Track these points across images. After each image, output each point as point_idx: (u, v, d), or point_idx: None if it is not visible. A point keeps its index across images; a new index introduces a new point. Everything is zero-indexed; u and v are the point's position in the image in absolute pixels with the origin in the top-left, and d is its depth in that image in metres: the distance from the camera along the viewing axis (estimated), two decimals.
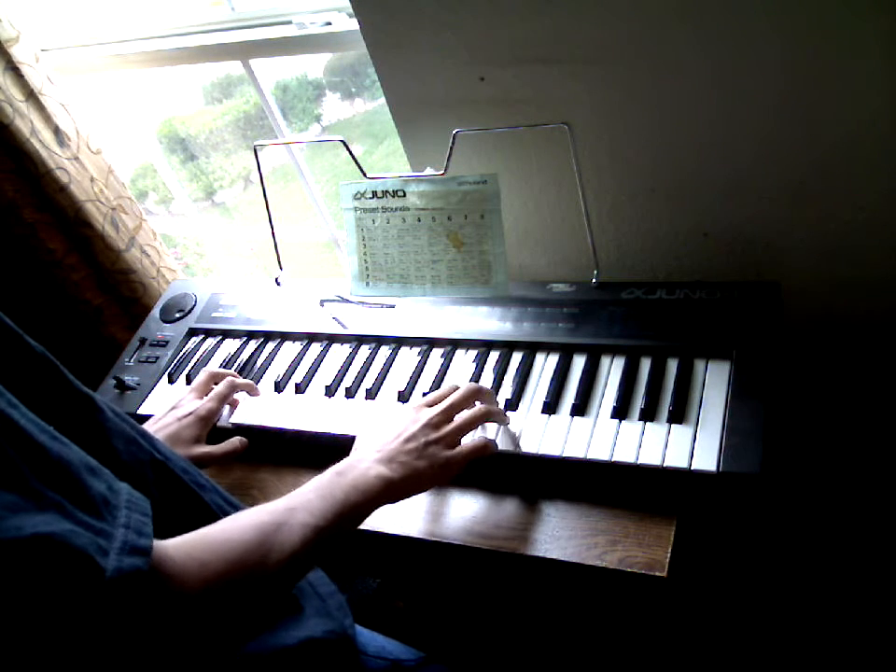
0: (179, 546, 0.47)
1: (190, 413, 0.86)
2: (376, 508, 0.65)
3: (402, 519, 0.80)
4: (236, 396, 0.96)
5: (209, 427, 0.88)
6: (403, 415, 0.74)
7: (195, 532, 0.50)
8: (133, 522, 0.45)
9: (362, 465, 0.66)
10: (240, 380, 0.95)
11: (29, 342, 0.51)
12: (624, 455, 0.75)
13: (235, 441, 0.89)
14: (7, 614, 0.38)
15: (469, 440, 0.75)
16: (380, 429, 0.73)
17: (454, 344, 0.95)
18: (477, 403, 0.78)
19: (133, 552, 0.42)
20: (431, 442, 0.70)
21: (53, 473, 0.42)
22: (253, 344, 1.07)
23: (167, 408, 0.89)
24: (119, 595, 0.41)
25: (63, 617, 0.39)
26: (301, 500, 0.59)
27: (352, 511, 0.61)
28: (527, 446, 0.79)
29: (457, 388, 0.78)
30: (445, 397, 0.76)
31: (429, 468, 0.69)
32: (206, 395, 0.92)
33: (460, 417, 0.74)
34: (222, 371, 0.97)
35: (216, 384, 0.94)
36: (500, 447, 0.79)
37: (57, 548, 0.39)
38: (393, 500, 0.67)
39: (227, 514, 0.63)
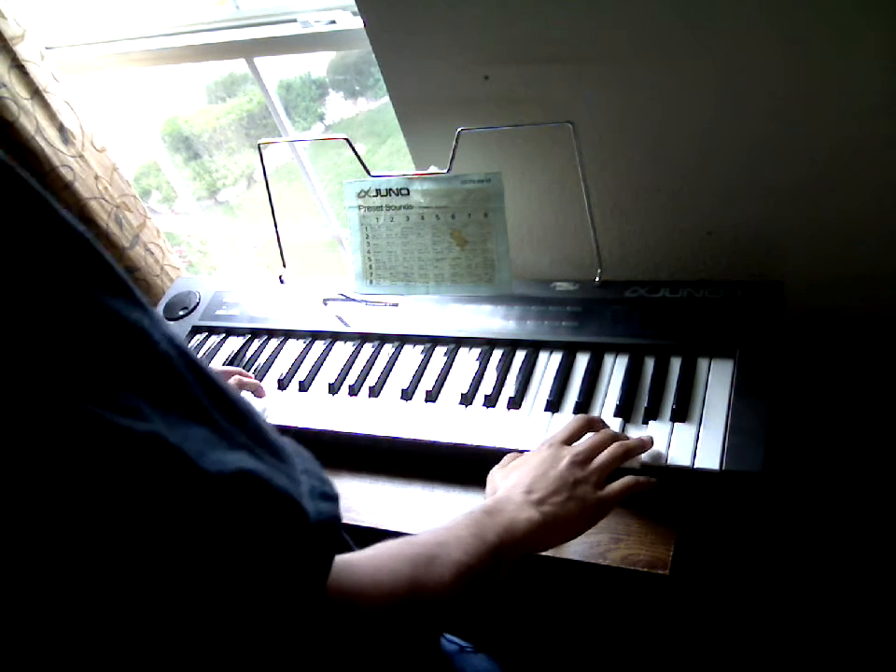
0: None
1: None
2: (524, 553, 0.59)
3: (403, 519, 0.80)
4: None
5: None
6: (542, 453, 0.69)
7: (338, 559, 0.42)
8: (311, 468, 0.41)
9: (511, 506, 0.61)
10: (247, 379, 0.96)
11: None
12: None
13: None
14: (211, 559, 0.32)
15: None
16: (519, 466, 0.68)
17: (457, 343, 0.96)
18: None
19: (323, 497, 0.39)
20: (581, 481, 0.65)
21: (234, 413, 0.37)
22: (256, 342, 1.07)
23: None
24: (320, 543, 0.37)
25: (269, 563, 0.35)
26: (452, 537, 0.53)
27: (503, 556, 0.55)
28: (529, 445, 0.79)
29: (587, 422, 0.73)
30: (577, 433, 0.72)
31: (582, 511, 0.63)
32: None
33: (601, 458, 0.68)
34: (231, 368, 0.97)
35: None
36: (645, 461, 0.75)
37: (262, 487, 0.34)
38: (541, 549, 0.62)
39: None
